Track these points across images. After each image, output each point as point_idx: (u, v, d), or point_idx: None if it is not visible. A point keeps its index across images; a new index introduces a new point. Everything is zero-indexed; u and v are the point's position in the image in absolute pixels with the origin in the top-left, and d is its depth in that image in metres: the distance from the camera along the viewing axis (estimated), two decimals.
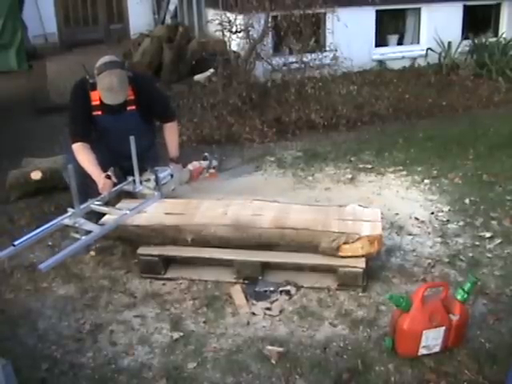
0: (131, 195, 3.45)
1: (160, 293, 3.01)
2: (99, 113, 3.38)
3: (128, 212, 3.17)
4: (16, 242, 2.81)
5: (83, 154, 3.29)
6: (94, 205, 3.21)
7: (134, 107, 3.43)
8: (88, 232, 3.01)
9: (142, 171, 3.41)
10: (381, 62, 8.18)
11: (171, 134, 3.68)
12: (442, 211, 3.86)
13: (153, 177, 3.42)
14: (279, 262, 3.05)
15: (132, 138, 3.24)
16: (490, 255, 3.30)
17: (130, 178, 3.41)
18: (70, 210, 3.07)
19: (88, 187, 3.24)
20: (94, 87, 3.30)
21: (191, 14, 9.43)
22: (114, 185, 3.31)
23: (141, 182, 3.42)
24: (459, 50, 8.07)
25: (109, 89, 3.22)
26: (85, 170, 3.23)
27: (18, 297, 3.04)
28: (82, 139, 3.33)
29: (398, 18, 8.61)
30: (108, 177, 3.24)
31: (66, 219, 3.06)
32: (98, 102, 3.35)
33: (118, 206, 3.34)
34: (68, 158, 3.47)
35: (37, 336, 2.70)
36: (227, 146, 5.31)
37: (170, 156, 3.65)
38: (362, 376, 2.37)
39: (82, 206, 3.11)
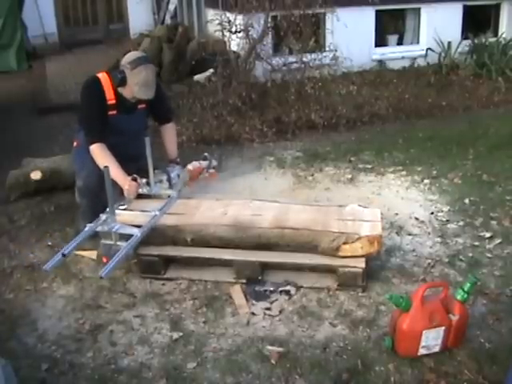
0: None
1: (160, 293, 3.01)
2: (114, 112, 3.27)
3: (157, 213, 3.14)
4: (65, 252, 2.74)
5: (104, 156, 3.14)
6: (119, 209, 3.16)
7: (144, 106, 3.38)
8: (123, 236, 2.92)
9: (146, 172, 3.31)
10: (381, 62, 8.17)
11: (171, 135, 3.64)
12: (442, 211, 3.86)
13: (165, 177, 3.40)
14: (279, 262, 3.05)
15: (147, 139, 3.16)
16: (489, 255, 3.30)
17: (144, 180, 3.29)
18: (103, 216, 2.98)
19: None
20: (122, 83, 3.17)
21: (191, 14, 9.43)
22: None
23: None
24: (459, 50, 8.06)
25: (145, 83, 3.15)
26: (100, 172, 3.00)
27: (18, 297, 3.04)
28: (100, 139, 3.19)
29: (397, 18, 8.61)
30: (134, 179, 3.18)
31: (99, 225, 2.96)
32: (113, 102, 3.24)
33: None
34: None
35: (37, 336, 2.70)
36: (227, 146, 5.30)
37: (171, 157, 3.59)
38: (362, 376, 2.37)
39: (115, 210, 3.01)
